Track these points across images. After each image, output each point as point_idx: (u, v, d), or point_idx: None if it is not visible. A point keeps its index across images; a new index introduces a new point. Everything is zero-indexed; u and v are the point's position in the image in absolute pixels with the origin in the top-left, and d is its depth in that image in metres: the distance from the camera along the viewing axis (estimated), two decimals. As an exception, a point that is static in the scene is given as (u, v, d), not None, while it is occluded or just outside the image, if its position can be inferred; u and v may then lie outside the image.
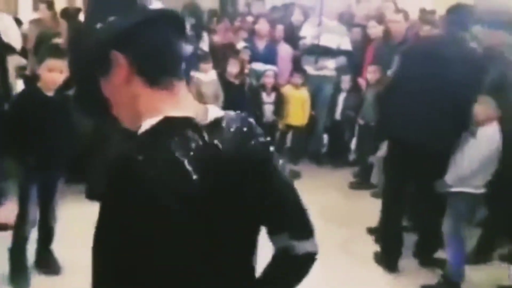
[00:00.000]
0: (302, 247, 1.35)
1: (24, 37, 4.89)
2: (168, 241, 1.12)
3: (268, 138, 1.34)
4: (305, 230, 1.38)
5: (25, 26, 5.32)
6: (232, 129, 1.24)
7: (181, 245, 1.14)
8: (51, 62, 3.20)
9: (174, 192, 1.10)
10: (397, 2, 6.64)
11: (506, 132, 3.52)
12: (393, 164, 4.03)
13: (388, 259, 4.01)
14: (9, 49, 4.25)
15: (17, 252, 3.40)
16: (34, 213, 3.39)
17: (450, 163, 3.61)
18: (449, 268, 3.67)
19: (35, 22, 5.17)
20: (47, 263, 3.58)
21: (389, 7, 6.39)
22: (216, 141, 1.19)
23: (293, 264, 1.37)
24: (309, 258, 1.37)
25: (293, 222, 1.37)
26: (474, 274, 3.87)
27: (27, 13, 6.38)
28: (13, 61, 4.41)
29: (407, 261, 4.06)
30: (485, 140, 3.47)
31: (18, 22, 5.42)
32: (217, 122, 1.23)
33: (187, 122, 1.17)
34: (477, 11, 4.02)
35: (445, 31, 4.06)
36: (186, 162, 1.12)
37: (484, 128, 3.46)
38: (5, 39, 4.25)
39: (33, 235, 3.54)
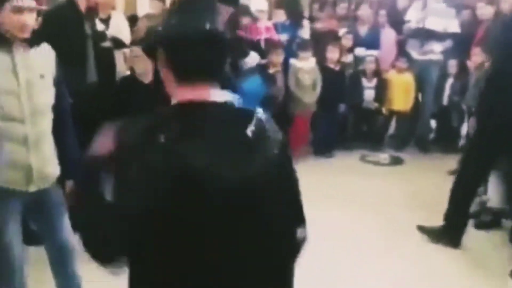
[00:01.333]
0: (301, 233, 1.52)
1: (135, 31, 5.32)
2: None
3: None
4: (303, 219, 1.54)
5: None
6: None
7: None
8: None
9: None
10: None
11: None
12: (490, 143, 3.85)
13: (453, 235, 3.95)
14: (119, 44, 4.70)
15: None
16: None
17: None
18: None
19: (146, 16, 5.61)
20: None
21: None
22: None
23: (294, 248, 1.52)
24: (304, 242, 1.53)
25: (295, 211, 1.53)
26: None
27: (144, 11, 6.89)
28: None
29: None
30: None
31: (136, 19, 5.91)
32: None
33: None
34: None
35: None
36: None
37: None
38: (117, 34, 4.72)
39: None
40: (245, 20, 5.46)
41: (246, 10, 5.57)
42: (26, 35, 2.37)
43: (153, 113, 1.39)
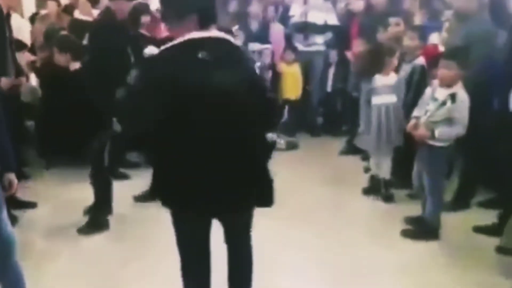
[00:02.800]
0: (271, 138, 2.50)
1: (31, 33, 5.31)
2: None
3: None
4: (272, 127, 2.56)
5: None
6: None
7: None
8: None
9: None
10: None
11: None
12: None
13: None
14: (22, 46, 4.70)
15: None
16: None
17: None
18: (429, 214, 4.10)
19: (41, 18, 5.58)
20: None
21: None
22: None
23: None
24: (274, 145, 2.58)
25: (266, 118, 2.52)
26: (452, 219, 4.30)
27: (30, 11, 6.79)
28: (25, 57, 4.83)
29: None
30: (464, 104, 3.79)
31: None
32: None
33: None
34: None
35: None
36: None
37: (457, 89, 3.81)
38: (18, 36, 4.71)
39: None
40: (145, 19, 5.63)
41: (146, 9, 5.73)
42: None
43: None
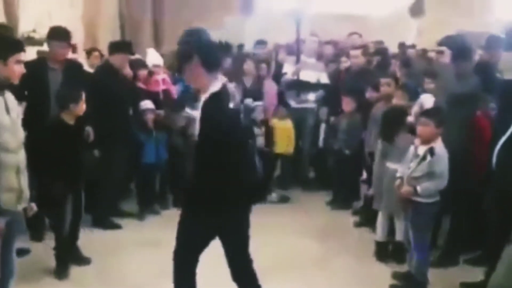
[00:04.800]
0: None
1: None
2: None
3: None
4: None
5: None
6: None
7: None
8: None
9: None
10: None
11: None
12: None
13: None
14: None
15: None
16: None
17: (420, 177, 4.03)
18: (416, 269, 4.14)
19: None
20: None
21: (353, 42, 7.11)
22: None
23: None
24: None
25: None
26: (440, 275, 4.34)
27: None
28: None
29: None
30: (443, 158, 3.95)
31: None
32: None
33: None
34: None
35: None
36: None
37: (436, 144, 3.98)
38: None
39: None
40: (142, 73, 5.85)
41: (141, 64, 5.97)
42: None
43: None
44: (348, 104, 6.27)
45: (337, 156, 6.50)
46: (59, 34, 4.75)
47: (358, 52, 6.67)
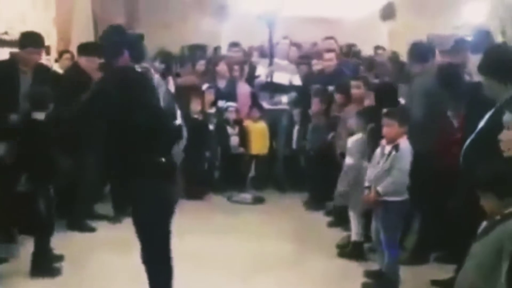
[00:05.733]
0: None
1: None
2: None
3: None
4: None
5: None
6: None
7: None
8: None
9: None
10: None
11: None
12: None
13: None
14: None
15: None
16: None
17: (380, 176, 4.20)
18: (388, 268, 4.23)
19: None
20: None
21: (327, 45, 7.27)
22: None
23: None
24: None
25: None
26: (411, 273, 4.43)
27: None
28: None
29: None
30: (406, 152, 4.08)
31: None
32: None
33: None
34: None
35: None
36: None
37: (400, 141, 4.09)
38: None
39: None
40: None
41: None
42: None
43: None
44: (316, 105, 6.38)
45: (306, 156, 6.57)
46: (35, 41, 4.76)
47: (332, 55, 6.78)
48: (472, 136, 3.51)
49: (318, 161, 6.28)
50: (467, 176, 3.56)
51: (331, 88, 6.28)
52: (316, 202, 6.42)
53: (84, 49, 5.40)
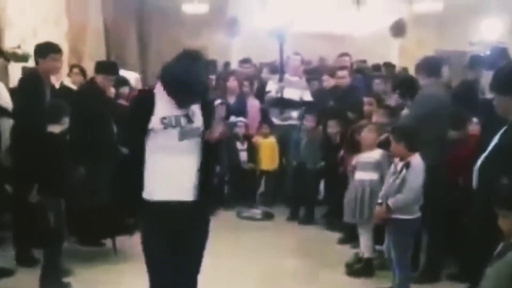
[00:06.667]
0: None
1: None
2: None
3: None
4: None
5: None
6: None
7: None
8: None
9: None
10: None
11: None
12: None
13: None
14: (5, 112, 4.86)
15: None
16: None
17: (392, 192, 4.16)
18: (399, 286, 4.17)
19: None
20: None
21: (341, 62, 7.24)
22: None
23: None
24: None
25: None
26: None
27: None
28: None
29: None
30: (417, 170, 4.04)
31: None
32: None
33: None
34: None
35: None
36: None
37: (412, 158, 4.05)
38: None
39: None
40: (124, 90, 5.92)
41: (124, 82, 6.03)
42: None
43: None
44: (310, 122, 6.42)
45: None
46: (54, 48, 4.80)
47: (345, 72, 6.80)
48: (486, 152, 3.48)
49: (326, 177, 6.24)
50: (482, 193, 3.53)
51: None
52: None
53: (102, 67, 5.51)
